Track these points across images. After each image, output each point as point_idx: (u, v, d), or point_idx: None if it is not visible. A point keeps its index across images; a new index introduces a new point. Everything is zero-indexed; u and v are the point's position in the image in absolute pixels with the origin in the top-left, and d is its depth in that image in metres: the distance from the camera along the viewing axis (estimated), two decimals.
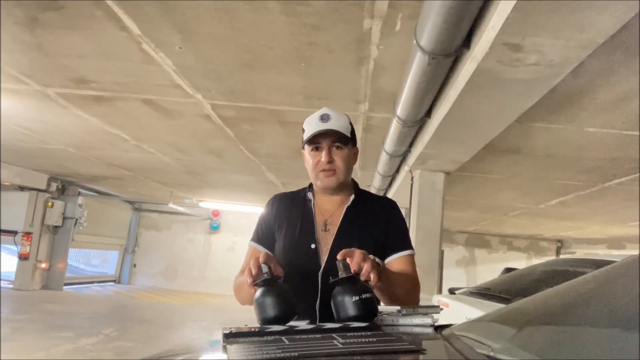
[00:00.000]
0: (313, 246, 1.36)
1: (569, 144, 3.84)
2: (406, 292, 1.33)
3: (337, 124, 1.35)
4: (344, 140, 1.38)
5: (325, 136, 1.35)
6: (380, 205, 1.47)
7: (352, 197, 1.43)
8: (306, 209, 1.44)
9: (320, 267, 1.32)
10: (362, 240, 1.34)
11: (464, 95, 2.27)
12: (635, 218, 6.85)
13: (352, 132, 1.41)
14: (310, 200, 1.45)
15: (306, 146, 1.40)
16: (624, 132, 3.37)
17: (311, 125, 1.37)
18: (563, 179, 5.15)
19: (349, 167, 1.41)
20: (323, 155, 1.36)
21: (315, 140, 1.36)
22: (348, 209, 1.42)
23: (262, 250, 1.40)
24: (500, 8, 1.60)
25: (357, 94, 3.34)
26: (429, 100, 2.68)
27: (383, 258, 1.39)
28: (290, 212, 1.44)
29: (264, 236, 1.45)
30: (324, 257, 1.34)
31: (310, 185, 1.49)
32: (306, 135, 1.38)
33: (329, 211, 1.42)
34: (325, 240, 1.37)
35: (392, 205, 1.48)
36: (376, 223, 1.41)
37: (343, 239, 1.35)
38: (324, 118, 1.36)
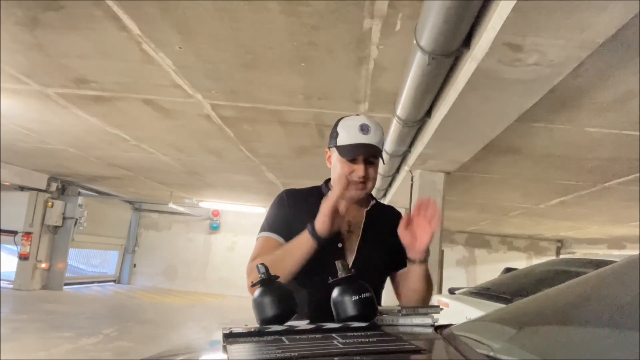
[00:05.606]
0: (340, 245, 1.37)
1: (569, 144, 3.84)
2: (429, 290, 1.43)
3: (375, 138, 1.36)
4: (379, 155, 1.40)
5: (364, 150, 1.35)
6: (392, 216, 1.49)
7: (373, 202, 1.47)
8: None
9: None
10: (385, 243, 1.40)
11: (464, 95, 2.27)
12: (635, 218, 6.84)
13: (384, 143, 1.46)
14: None
15: (336, 151, 1.39)
16: (624, 132, 3.37)
17: (349, 134, 1.36)
18: (563, 179, 5.15)
19: (376, 178, 1.45)
20: (358, 169, 1.36)
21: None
22: (368, 212, 1.45)
23: (278, 240, 1.37)
24: (500, 8, 1.60)
25: (357, 94, 3.34)
26: (429, 100, 2.67)
27: (398, 264, 1.43)
28: (309, 211, 1.37)
29: (279, 227, 1.40)
30: (350, 257, 1.36)
31: (326, 185, 1.48)
32: (342, 142, 1.37)
33: (350, 213, 1.41)
34: (350, 241, 1.39)
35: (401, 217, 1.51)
36: (392, 230, 1.40)
37: (369, 240, 1.39)
38: (364, 129, 1.34)
